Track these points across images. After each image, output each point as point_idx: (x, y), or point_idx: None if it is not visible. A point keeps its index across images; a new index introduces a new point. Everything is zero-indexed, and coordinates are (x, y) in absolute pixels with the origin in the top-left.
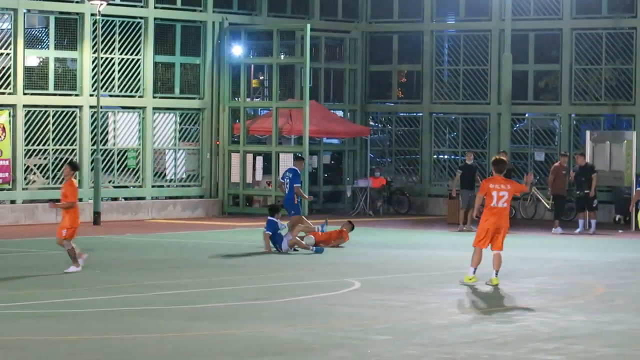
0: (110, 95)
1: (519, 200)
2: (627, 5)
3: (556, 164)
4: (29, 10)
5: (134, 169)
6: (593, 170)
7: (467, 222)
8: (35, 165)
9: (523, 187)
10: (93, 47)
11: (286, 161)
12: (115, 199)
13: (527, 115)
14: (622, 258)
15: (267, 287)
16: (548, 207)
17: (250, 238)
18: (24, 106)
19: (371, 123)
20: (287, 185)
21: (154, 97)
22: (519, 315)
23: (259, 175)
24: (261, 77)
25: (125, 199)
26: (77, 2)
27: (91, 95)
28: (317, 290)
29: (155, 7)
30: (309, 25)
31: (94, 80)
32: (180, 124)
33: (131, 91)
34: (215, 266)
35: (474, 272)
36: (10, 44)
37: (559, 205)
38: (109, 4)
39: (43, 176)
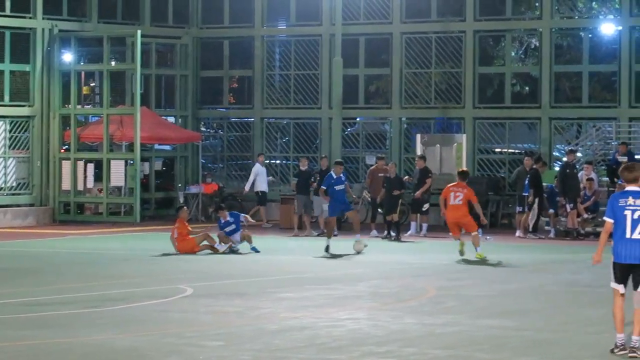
0: None
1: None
2: (456, 10)
3: (372, 167)
4: None
5: None
6: (427, 174)
7: (302, 227)
8: None
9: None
10: None
11: (117, 168)
12: None
13: (358, 119)
14: (453, 260)
15: (102, 294)
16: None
17: (83, 245)
18: None
19: (203, 129)
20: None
21: None
22: (351, 318)
23: (90, 183)
24: (92, 84)
25: None
26: None
27: None
28: (151, 297)
29: None
30: (139, 32)
31: None
32: (10, 131)
33: None
34: (49, 274)
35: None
36: None
37: (374, 208)
38: None
39: None
